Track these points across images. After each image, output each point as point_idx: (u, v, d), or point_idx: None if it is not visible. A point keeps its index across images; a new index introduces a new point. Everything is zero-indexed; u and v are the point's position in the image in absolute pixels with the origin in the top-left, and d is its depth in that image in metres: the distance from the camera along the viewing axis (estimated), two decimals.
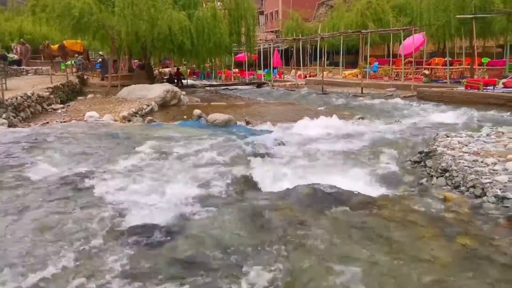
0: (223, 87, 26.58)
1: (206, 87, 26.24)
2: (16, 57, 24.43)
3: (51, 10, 16.50)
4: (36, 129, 9.65)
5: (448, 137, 7.14)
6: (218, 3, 23.10)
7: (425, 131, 9.46)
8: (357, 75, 25.50)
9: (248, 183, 5.92)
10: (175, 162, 6.83)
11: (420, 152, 6.80)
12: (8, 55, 24.46)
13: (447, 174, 5.55)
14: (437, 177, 5.66)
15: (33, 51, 25.96)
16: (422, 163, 6.41)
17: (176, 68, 27.73)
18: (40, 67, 22.32)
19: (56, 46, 25.13)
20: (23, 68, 21.32)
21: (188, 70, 32.65)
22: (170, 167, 6.54)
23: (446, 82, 19.39)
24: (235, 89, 25.68)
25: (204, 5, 21.19)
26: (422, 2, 20.53)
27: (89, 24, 16.79)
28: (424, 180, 5.78)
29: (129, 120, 11.43)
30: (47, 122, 10.52)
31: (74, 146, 7.95)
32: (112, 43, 18.84)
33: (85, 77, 22.19)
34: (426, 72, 21.19)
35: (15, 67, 21.52)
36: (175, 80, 24.90)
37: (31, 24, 23.42)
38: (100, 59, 25.35)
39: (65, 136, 8.68)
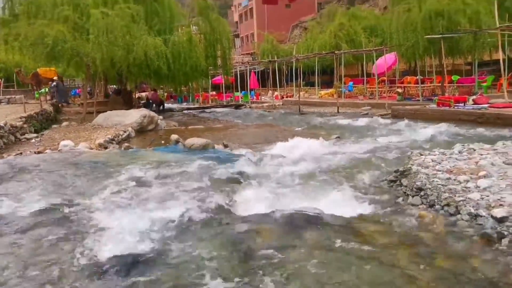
0: (201, 110, 26.58)
1: (183, 111, 26.20)
2: None
3: (24, 38, 16.37)
4: (9, 160, 9.42)
5: (422, 155, 7.25)
6: (194, 27, 23.37)
7: (400, 149, 9.62)
8: (332, 95, 25.93)
9: (226, 208, 5.89)
10: (152, 189, 6.75)
11: (396, 171, 6.87)
12: None
13: (422, 193, 5.63)
14: (412, 196, 5.73)
15: (5, 79, 25.51)
16: (398, 182, 6.47)
17: (153, 90, 26.55)
18: (13, 96, 21.92)
19: (30, 74, 24.80)
20: None
21: (165, 94, 32.59)
22: (147, 194, 6.46)
23: (419, 100, 19.88)
24: (213, 111, 25.71)
25: (179, 30, 21.40)
26: (392, 23, 21.20)
27: (63, 52, 16.66)
28: (400, 199, 5.85)
29: (105, 148, 11.26)
30: (20, 153, 10.28)
31: (48, 177, 7.77)
32: (87, 70, 18.73)
33: (59, 104, 21.86)
34: (399, 90, 21.70)
35: None
36: (153, 105, 23.94)
37: (4, 52, 23.13)
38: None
39: (39, 167, 8.50)
